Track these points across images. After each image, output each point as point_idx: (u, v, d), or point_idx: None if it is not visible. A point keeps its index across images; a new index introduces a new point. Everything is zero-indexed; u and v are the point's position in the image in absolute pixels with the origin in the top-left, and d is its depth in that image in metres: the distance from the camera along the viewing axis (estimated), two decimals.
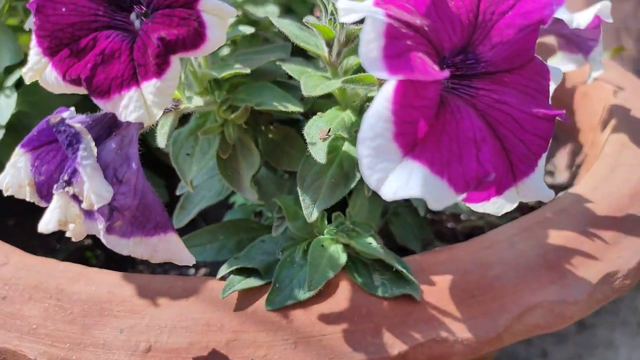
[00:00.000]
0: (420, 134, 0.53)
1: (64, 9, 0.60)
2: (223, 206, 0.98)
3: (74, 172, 0.58)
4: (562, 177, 1.22)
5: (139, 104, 0.57)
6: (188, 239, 0.82)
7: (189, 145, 0.76)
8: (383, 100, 0.52)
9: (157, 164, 1.03)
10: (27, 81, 0.63)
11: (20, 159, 0.64)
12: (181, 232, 0.89)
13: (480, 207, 0.60)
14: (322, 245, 0.75)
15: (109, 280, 0.77)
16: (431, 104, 0.53)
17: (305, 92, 0.70)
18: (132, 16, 0.64)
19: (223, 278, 0.77)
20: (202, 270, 1.00)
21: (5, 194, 0.68)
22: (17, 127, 0.98)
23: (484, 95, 0.59)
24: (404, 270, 0.75)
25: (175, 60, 0.58)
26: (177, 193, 0.89)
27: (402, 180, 0.52)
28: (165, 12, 0.58)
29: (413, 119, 0.52)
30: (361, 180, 0.74)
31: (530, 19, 0.57)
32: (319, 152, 0.70)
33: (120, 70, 0.58)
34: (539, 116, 0.58)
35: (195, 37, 0.57)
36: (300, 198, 0.76)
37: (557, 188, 1.14)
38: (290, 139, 0.80)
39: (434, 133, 0.53)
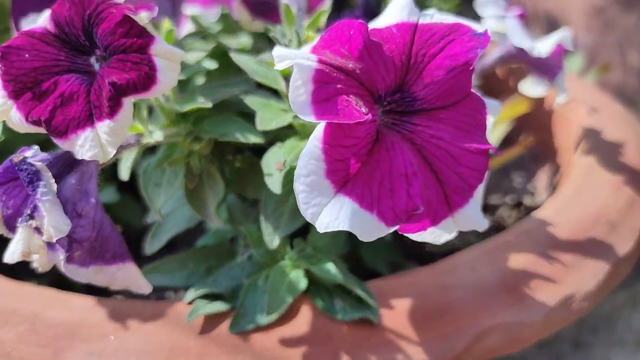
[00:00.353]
0: (352, 170, 0.56)
1: (27, 55, 0.65)
2: (200, 231, 1.01)
3: (35, 207, 0.62)
4: (541, 197, 1.24)
5: (94, 143, 0.61)
6: (158, 266, 0.85)
7: (157, 175, 0.80)
8: (315, 140, 0.55)
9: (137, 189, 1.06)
10: None
11: None
12: (158, 255, 0.93)
13: (418, 237, 0.62)
14: (283, 271, 0.78)
15: (83, 304, 0.80)
16: (362, 143, 0.56)
17: (261, 125, 0.73)
18: (92, 60, 0.68)
19: (192, 302, 0.80)
20: (181, 294, 1.03)
21: None
22: (3, 154, 1.02)
23: (421, 131, 0.62)
24: (364, 294, 0.78)
25: (127, 102, 0.61)
26: (149, 221, 0.93)
27: (333, 214, 0.55)
28: (120, 57, 0.62)
29: (344, 157, 0.55)
30: None
31: (457, 61, 0.60)
32: (274, 184, 0.74)
33: (78, 111, 0.62)
34: (472, 150, 0.61)
35: (146, 80, 0.61)
36: (262, 226, 0.79)
37: (536, 208, 1.16)
38: (255, 167, 0.83)
39: (366, 169, 0.57)
